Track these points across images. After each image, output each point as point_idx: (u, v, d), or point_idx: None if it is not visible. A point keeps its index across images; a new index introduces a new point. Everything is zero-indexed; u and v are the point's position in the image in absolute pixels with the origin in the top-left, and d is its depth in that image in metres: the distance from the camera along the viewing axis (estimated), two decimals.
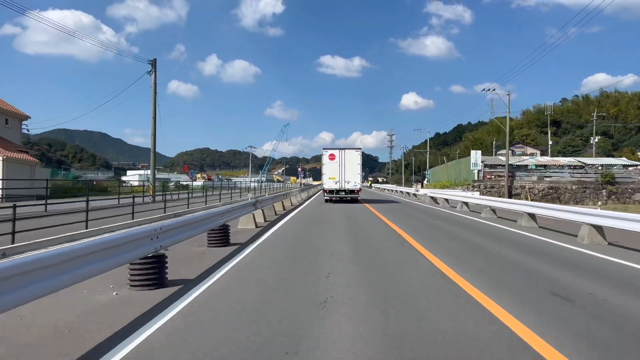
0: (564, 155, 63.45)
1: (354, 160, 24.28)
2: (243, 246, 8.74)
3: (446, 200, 23.19)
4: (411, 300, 4.89)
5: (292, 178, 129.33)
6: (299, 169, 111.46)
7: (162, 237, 5.61)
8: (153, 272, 5.40)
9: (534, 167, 42.94)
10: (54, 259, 3.46)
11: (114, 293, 5.20)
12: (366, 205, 23.10)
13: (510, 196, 37.73)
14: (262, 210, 14.29)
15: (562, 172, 41.24)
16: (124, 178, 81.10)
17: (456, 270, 6.39)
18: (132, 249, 4.85)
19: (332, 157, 24.49)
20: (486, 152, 64.17)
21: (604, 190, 39.37)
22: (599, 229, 9.48)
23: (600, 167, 41.80)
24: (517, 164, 43.27)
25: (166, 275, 5.64)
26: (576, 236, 10.16)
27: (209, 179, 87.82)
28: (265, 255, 7.82)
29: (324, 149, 25.15)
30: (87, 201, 11.41)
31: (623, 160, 45.67)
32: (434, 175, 60.56)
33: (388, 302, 4.83)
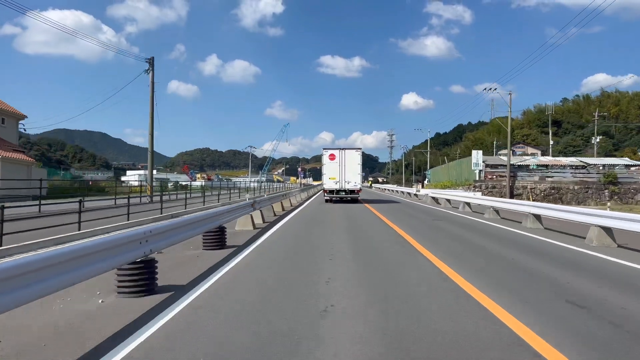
0: (565, 155, 63.16)
1: (354, 160, 24.23)
2: (240, 249, 8.42)
3: (448, 200, 22.87)
4: (413, 305, 4.57)
5: (292, 178, 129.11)
6: (299, 169, 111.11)
7: (152, 240, 5.29)
8: (142, 278, 5.08)
9: (535, 167, 42.62)
10: (26, 267, 3.14)
11: (100, 301, 4.87)
12: (366, 205, 22.79)
13: (511, 196, 37.43)
14: (261, 211, 13.97)
15: (564, 172, 40.92)
16: (123, 178, 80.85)
17: (461, 274, 6.07)
18: (118, 254, 4.54)
19: (332, 157, 24.44)
20: (487, 152, 63.82)
21: (606, 191, 39.05)
22: (608, 230, 9.16)
23: (602, 167, 41.48)
24: (519, 164, 42.96)
25: (156, 282, 5.32)
26: (584, 238, 9.84)
27: (209, 179, 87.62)
28: (262, 259, 7.50)
29: (324, 149, 25.12)
30: (80, 202, 11.08)
31: (625, 160, 45.36)
32: (435, 175, 60.25)
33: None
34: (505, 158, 45.80)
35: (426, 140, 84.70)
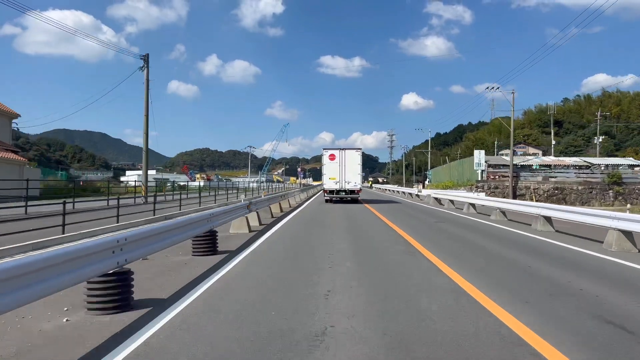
0: (566, 155, 62.52)
1: (354, 161, 24.15)
2: (232, 255, 7.78)
3: (451, 201, 22.23)
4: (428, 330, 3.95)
5: (292, 178, 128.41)
6: (299, 169, 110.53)
7: (128, 249, 4.65)
8: (114, 292, 4.45)
9: (537, 168, 42.00)
10: None
11: (64, 319, 4.23)
12: (367, 206, 22.17)
13: (514, 197, 36.82)
14: (257, 212, 13.34)
15: (567, 173, 40.28)
16: (123, 178, 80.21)
17: (483, 290, 5.44)
18: (84, 266, 3.90)
19: (332, 157, 24.33)
20: (487, 152, 63.13)
21: (610, 191, 38.43)
22: (628, 234, 8.54)
23: (603, 167, 40.84)
24: (522, 164, 42.34)
25: (132, 295, 4.68)
26: (601, 242, 9.23)
27: (209, 179, 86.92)
28: (254, 268, 6.86)
29: (324, 149, 25.09)
30: (64, 204, 10.42)
31: (629, 160, 44.73)
32: (436, 175, 59.63)
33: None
34: (507, 158, 45.19)
35: (426, 141, 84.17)
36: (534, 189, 39.00)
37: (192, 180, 75.39)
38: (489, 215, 16.19)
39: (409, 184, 75.16)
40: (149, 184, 30.11)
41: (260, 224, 13.16)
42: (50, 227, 9.78)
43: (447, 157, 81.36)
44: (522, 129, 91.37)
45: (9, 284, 2.97)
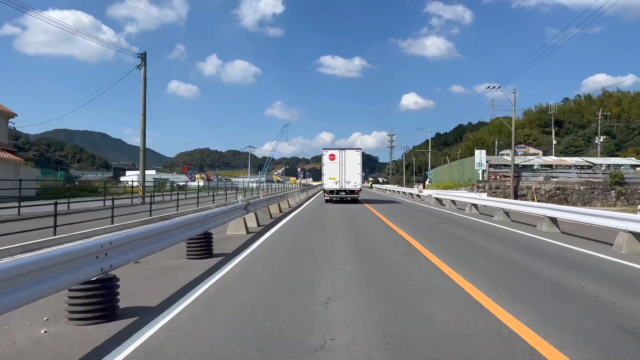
0: (567, 155, 62.18)
1: (354, 161, 24.09)
2: (228, 258, 7.47)
3: (453, 201, 21.91)
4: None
5: (292, 178, 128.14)
6: (299, 169, 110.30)
7: (113, 254, 4.34)
8: (98, 301, 4.14)
9: (539, 167, 41.67)
10: None
11: (42, 331, 3.92)
12: (368, 206, 21.87)
13: (516, 197, 36.53)
14: (255, 213, 13.04)
15: (569, 173, 39.97)
16: (122, 178, 79.93)
17: (485, 291, 5.13)
18: (64, 272, 3.60)
19: (332, 157, 24.28)
20: (488, 152, 62.82)
21: (612, 191, 38.13)
22: (639, 236, 8.22)
23: (605, 167, 40.51)
24: (523, 164, 42.01)
25: (118, 304, 4.37)
26: (610, 244, 8.93)
27: (208, 180, 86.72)
28: (251, 272, 6.55)
29: (324, 149, 25.06)
30: (56, 204, 10.11)
31: (631, 160, 44.42)
32: (436, 175, 59.31)
33: None
34: (508, 158, 44.86)
35: (426, 141, 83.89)
36: (535, 189, 38.69)
37: (191, 181, 75.11)
38: (492, 216, 15.87)
39: (409, 184, 74.87)
40: (147, 184, 29.81)
41: (259, 225, 12.86)
42: (41, 229, 9.46)
43: (447, 157, 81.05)
44: (523, 128, 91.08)
45: None
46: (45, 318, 4.24)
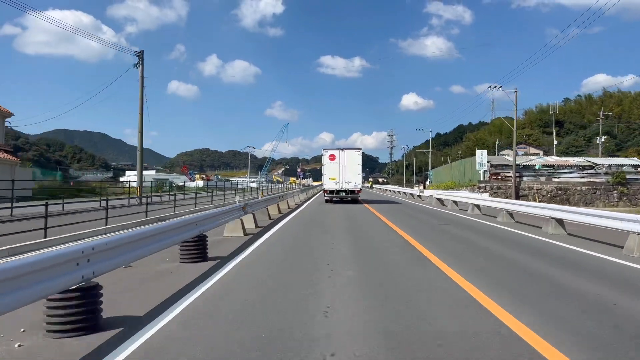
0: (567, 155, 61.85)
1: (354, 161, 23.98)
2: (223, 262, 7.14)
3: (454, 202, 21.58)
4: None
5: (292, 179, 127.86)
6: (299, 170, 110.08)
7: (95, 260, 4.03)
8: (78, 311, 3.82)
9: (540, 168, 41.34)
10: None
11: (16, 345, 3.61)
12: (368, 207, 21.55)
13: (517, 197, 36.22)
14: (253, 214, 12.73)
15: (571, 173, 39.65)
16: (122, 179, 79.69)
17: (509, 309, 4.82)
18: (36, 282, 3.28)
19: (332, 157, 24.16)
20: (488, 152, 62.58)
21: (615, 192, 37.82)
22: None
23: (605, 167, 40.18)
24: (524, 164, 41.68)
25: (100, 314, 4.06)
26: (620, 247, 8.62)
27: (208, 180, 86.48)
28: (246, 277, 6.24)
29: (324, 149, 24.89)
30: (47, 205, 9.79)
31: (634, 160, 44.08)
32: (437, 175, 58.99)
33: None
34: (509, 158, 44.51)
35: (426, 141, 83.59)
36: (537, 190, 38.37)
37: (191, 181, 74.79)
38: (495, 217, 15.56)
39: (410, 184, 74.54)
40: (145, 184, 29.49)
41: (257, 226, 12.54)
42: (32, 231, 9.14)
43: (448, 158, 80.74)
44: (523, 129, 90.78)
45: None
46: (22, 329, 3.93)
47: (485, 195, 23.35)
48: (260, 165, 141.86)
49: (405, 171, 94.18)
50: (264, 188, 48.03)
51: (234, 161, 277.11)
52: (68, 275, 3.66)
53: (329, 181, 23.97)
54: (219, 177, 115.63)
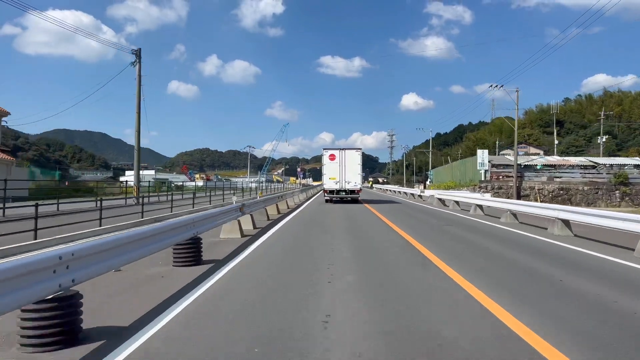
0: (568, 155, 61.59)
1: (354, 161, 23.94)
2: (217, 265, 6.83)
3: (456, 202, 21.27)
4: None
5: (292, 178, 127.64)
6: (298, 170, 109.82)
7: (75, 267, 3.71)
8: (54, 323, 3.51)
9: (541, 167, 41.04)
10: None
11: None
12: (369, 207, 21.24)
13: (518, 197, 35.93)
14: (251, 215, 12.42)
15: (572, 173, 39.34)
16: (122, 178, 79.42)
17: (524, 320, 4.51)
18: (6, 292, 2.97)
19: (332, 157, 24.12)
20: (489, 152, 62.36)
21: (617, 192, 37.52)
22: None
23: (607, 167, 39.88)
24: (525, 163, 41.38)
25: (80, 325, 3.75)
26: (630, 249, 8.31)
27: (208, 180, 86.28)
28: (241, 283, 5.92)
29: (324, 149, 24.91)
30: (37, 206, 9.47)
31: (635, 160, 43.79)
32: (437, 175, 58.69)
33: None
34: (510, 158, 44.21)
35: (426, 141, 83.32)
36: (538, 190, 38.05)
37: (191, 181, 74.46)
38: (499, 218, 15.25)
39: (410, 184, 74.25)
40: (144, 184, 29.16)
41: (255, 227, 12.23)
42: (22, 232, 8.83)
43: (448, 157, 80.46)
44: (524, 128, 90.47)
45: None
46: None
47: (488, 195, 23.07)
48: (260, 165, 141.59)
49: (405, 171, 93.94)
50: (264, 188, 47.73)
51: (234, 161, 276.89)
52: (43, 284, 3.34)
53: (329, 181, 23.94)
54: (219, 177, 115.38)
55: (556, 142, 70.59)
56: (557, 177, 39.05)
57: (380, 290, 5.31)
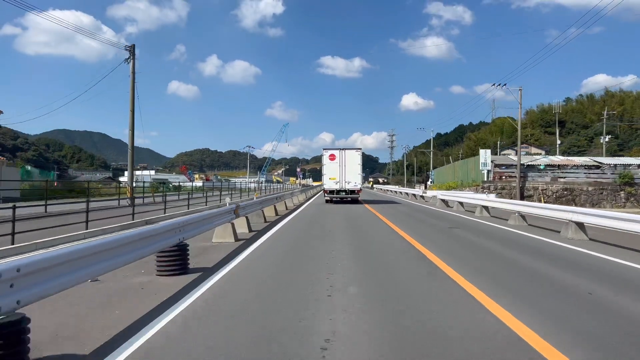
0: (569, 155, 60.95)
1: (354, 161, 23.70)
2: (205, 275, 6.16)
3: (460, 203, 20.61)
4: None
5: (292, 179, 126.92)
6: (298, 170, 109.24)
7: (22, 285, 3.06)
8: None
9: (544, 167, 40.39)
10: None
11: None
12: (370, 208, 20.59)
13: (522, 198, 35.29)
14: (247, 217, 11.78)
15: (577, 173, 38.70)
16: (121, 179, 78.80)
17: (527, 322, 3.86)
18: None
19: (332, 157, 23.88)
20: (490, 152, 61.61)
21: (622, 192, 36.89)
22: None
23: (610, 167, 39.23)
24: (529, 163, 40.73)
25: (27, 356, 3.10)
26: None
27: (207, 180, 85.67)
28: (231, 296, 5.27)
29: (324, 149, 24.59)
30: (14, 208, 8.83)
31: None
32: (439, 175, 58.04)
33: None
34: (512, 157, 43.58)
35: (427, 141, 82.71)
36: (542, 190, 37.41)
37: (190, 181, 73.81)
38: (506, 220, 14.60)
39: (410, 184, 73.63)
40: (139, 184, 28.53)
41: (250, 230, 11.59)
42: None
43: (450, 157, 79.78)
44: (525, 128, 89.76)
45: None
46: None
47: (492, 196, 22.39)
48: (260, 165, 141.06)
49: (406, 171, 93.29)
50: (263, 188, 47.11)
51: (234, 161, 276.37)
52: None
53: (329, 181, 23.67)
54: (219, 177, 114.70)
55: (558, 142, 69.93)
56: (561, 178, 38.42)
57: (392, 316, 4.65)
